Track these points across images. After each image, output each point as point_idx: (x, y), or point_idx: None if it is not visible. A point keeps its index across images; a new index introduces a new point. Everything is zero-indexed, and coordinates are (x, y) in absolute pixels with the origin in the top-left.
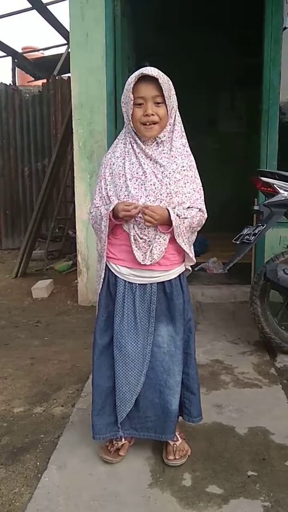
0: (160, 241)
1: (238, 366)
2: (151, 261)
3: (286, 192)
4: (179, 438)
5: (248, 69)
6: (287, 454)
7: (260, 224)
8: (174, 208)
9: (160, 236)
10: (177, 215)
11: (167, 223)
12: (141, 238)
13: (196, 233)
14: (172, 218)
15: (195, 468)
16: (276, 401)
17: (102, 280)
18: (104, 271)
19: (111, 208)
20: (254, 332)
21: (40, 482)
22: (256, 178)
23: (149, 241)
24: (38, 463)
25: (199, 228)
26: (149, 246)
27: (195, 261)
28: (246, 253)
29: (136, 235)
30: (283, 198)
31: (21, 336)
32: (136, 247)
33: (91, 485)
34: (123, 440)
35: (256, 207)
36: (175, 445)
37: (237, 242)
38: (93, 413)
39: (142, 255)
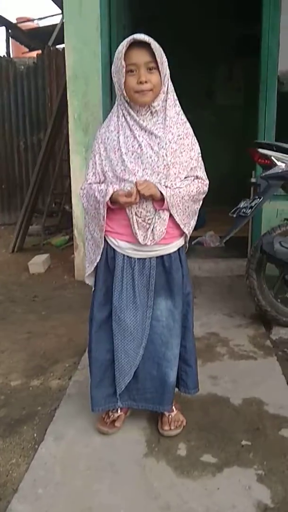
0: (160, 221)
1: (233, 338)
2: (152, 241)
3: (283, 164)
4: (174, 409)
5: (246, 38)
6: (281, 423)
7: (257, 197)
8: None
9: (160, 216)
10: (166, 186)
11: (161, 197)
12: (140, 217)
13: (200, 202)
14: (160, 189)
15: (190, 438)
16: (271, 372)
17: (95, 264)
18: (100, 255)
19: (107, 198)
20: (250, 305)
21: (37, 453)
22: (253, 149)
23: (148, 219)
24: (35, 435)
25: (203, 196)
26: (150, 225)
27: (188, 234)
28: (242, 226)
29: (135, 215)
30: (280, 171)
31: (18, 311)
32: (137, 226)
33: (87, 456)
34: (119, 411)
35: (253, 180)
36: (170, 416)
37: (234, 216)
38: (92, 386)
39: (143, 234)
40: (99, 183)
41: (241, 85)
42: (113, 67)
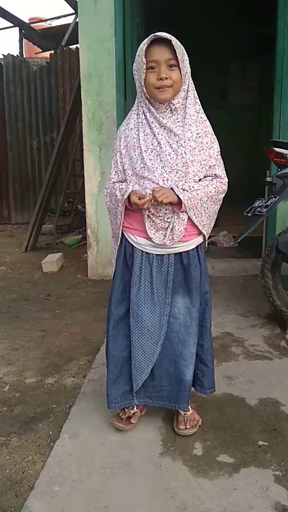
0: (179, 221)
1: (248, 338)
2: (171, 241)
3: None
4: (190, 409)
5: (260, 38)
6: None
7: (272, 196)
8: (186, 181)
9: (179, 216)
10: (183, 189)
11: (179, 201)
12: (159, 216)
13: (220, 201)
14: (177, 193)
15: (206, 437)
16: (286, 372)
17: (115, 259)
18: (118, 249)
19: (125, 196)
20: (265, 305)
21: (53, 450)
22: (269, 148)
23: (168, 218)
24: (50, 432)
25: (222, 195)
26: (169, 224)
27: (206, 235)
28: (257, 225)
29: (152, 215)
30: None
31: (32, 309)
32: (154, 228)
33: (103, 454)
34: (135, 408)
35: (268, 179)
36: (186, 415)
37: (249, 215)
38: (108, 383)
39: (161, 235)
40: (121, 181)
41: (255, 84)
42: (134, 64)
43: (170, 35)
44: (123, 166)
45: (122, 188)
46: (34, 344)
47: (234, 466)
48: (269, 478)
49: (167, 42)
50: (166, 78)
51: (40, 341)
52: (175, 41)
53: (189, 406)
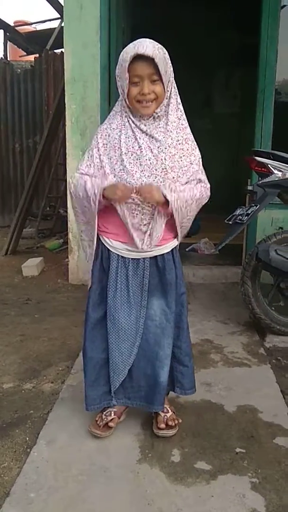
0: (157, 227)
1: (227, 345)
2: (148, 246)
3: (280, 173)
4: (170, 411)
5: (244, 48)
6: (275, 431)
7: (253, 205)
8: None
9: (157, 222)
10: (171, 189)
11: (164, 201)
12: (135, 220)
13: (200, 206)
14: (165, 193)
15: (184, 444)
16: (265, 380)
17: (93, 260)
18: (94, 252)
19: (105, 185)
20: (244, 313)
21: (29, 456)
22: (250, 157)
23: (145, 223)
24: (27, 438)
25: (206, 200)
26: (148, 229)
27: (181, 235)
28: (238, 233)
29: (133, 223)
30: (277, 179)
31: (11, 313)
32: (135, 234)
33: (80, 460)
34: (112, 414)
35: (249, 187)
36: (165, 416)
37: (230, 222)
38: (86, 385)
39: (140, 240)
40: (91, 176)
41: (238, 93)
42: (117, 71)
43: (152, 49)
44: (98, 163)
45: (93, 185)
46: (12, 349)
47: (211, 473)
48: (246, 485)
49: (150, 57)
50: (149, 93)
51: (18, 345)
52: (157, 57)
53: (169, 409)
